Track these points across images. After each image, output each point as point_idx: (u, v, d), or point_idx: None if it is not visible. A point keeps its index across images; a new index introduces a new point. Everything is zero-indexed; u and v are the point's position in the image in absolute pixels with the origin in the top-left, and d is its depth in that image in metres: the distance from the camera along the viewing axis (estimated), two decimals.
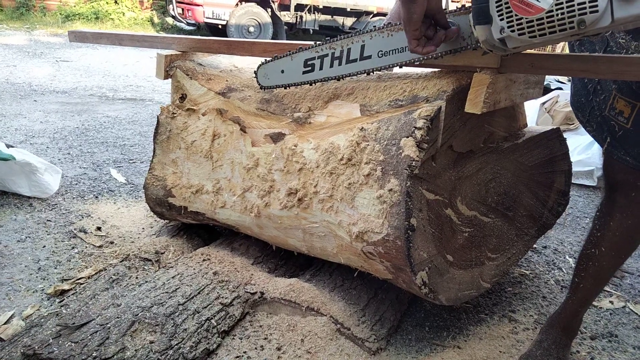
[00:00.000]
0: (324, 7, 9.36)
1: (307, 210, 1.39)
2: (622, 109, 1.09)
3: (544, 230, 1.55)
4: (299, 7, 9.33)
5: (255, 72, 1.46)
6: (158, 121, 1.71)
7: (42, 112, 3.75)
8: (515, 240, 1.46)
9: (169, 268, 1.53)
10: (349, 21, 9.75)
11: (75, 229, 1.89)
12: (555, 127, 1.49)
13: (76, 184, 2.37)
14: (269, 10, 9.18)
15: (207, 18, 8.71)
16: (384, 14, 9.35)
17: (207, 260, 1.57)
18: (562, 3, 0.84)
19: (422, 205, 1.20)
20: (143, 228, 1.97)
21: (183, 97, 1.70)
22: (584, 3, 0.82)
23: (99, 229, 1.92)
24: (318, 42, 1.31)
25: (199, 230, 1.85)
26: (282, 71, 1.39)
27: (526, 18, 0.87)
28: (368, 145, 1.25)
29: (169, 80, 1.72)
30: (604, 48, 1.08)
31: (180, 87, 1.69)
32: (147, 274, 1.54)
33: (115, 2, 10.58)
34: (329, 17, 9.60)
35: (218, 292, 1.42)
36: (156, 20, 10.74)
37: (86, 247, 1.78)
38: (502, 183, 1.39)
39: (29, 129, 3.23)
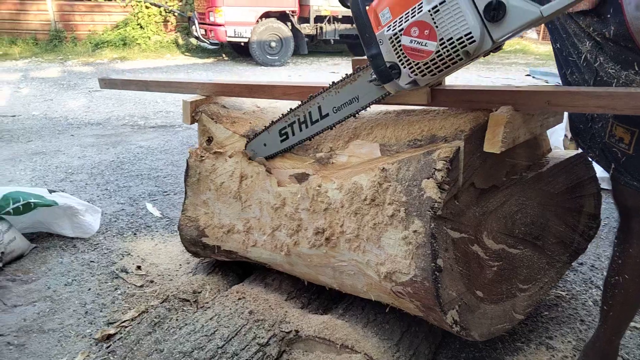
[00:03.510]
0: (343, 16, 9.41)
1: (335, 249, 1.42)
2: (621, 136, 1.09)
3: (577, 256, 1.53)
4: (319, 19, 9.42)
5: (245, 150, 1.62)
6: (187, 164, 1.78)
7: (79, 146, 3.93)
8: (547, 268, 1.45)
9: (206, 309, 1.59)
10: None
11: (117, 269, 1.99)
12: (579, 151, 1.48)
13: (115, 220, 2.48)
14: (289, 24, 9.30)
15: (229, 37, 8.89)
16: None
17: (242, 299, 1.62)
18: (444, 43, 0.97)
19: (448, 245, 1.21)
20: (180, 265, 2.04)
21: (210, 140, 1.76)
22: (461, 38, 0.95)
23: (139, 267, 2.00)
24: (284, 112, 1.47)
25: (233, 266, 1.91)
26: (265, 144, 1.56)
27: (422, 62, 1.01)
28: (390, 185, 1.28)
29: None
30: (594, 78, 1.09)
31: (207, 130, 1.76)
32: (186, 315, 1.61)
33: (141, 27, 10.93)
34: (348, 25, 9.64)
35: (254, 332, 1.46)
36: (180, 41, 11.03)
37: (128, 287, 1.87)
38: (528, 213, 1.39)
39: (68, 166, 3.39)
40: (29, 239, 2.16)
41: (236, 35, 8.91)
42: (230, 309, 1.57)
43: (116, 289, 1.86)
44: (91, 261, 2.06)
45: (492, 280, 1.31)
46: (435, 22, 1.00)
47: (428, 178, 1.19)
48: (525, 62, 9.85)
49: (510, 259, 1.36)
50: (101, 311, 1.72)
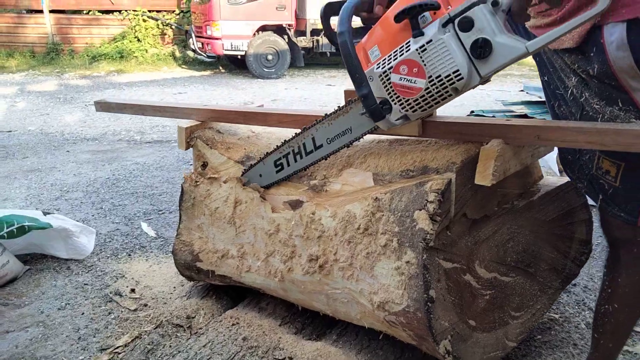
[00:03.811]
0: None
1: (329, 277, 1.43)
2: (608, 169, 1.11)
3: (569, 281, 1.55)
4: (315, 32, 9.49)
5: (241, 177, 1.63)
6: (182, 189, 1.79)
7: (75, 163, 3.93)
8: (539, 295, 1.46)
9: (200, 335, 1.59)
10: None
11: (110, 292, 1.98)
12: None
13: (110, 241, 2.48)
14: (286, 37, 9.37)
15: (226, 50, 8.95)
16: None
17: (236, 325, 1.62)
18: (433, 80, 1.00)
19: (440, 275, 1.22)
20: (174, 287, 2.04)
21: (204, 165, 1.77)
22: (449, 76, 0.98)
23: (132, 290, 2.00)
24: (279, 144, 1.49)
25: (228, 289, 1.91)
26: (260, 175, 1.57)
27: (412, 98, 1.04)
28: (383, 215, 1.29)
29: None
30: (580, 112, 1.12)
31: (202, 155, 1.77)
32: (179, 341, 1.60)
33: (138, 40, 10.99)
34: None
35: None
36: (178, 54, 11.09)
37: (122, 311, 1.86)
38: (520, 241, 1.40)
39: (63, 183, 3.39)
40: (22, 260, 2.15)
41: (233, 49, 8.97)
42: (224, 335, 1.57)
43: (110, 313, 1.85)
44: (85, 284, 2.06)
45: (485, 308, 1.32)
46: (423, 61, 1.02)
47: (420, 209, 1.21)
48: (520, 74, 9.94)
49: (503, 287, 1.37)
50: (94, 336, 1.71)
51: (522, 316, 1.41)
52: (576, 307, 1.88)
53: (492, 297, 1.34)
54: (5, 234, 1.99)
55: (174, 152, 4.27)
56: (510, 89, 7.75)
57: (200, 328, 1.66)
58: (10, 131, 5.08)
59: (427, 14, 1.02)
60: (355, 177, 1.42)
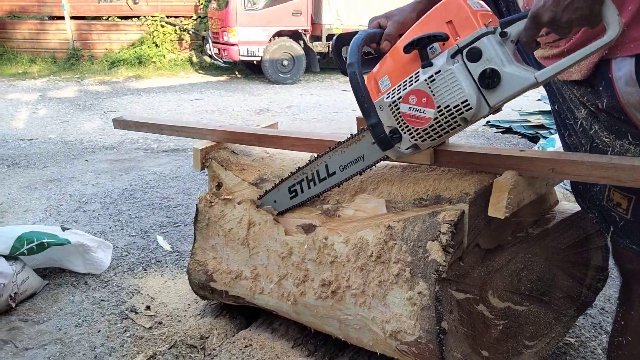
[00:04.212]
0: None
1: (341, 303, 1.43)
2: (619, 201, 1.10)
3: (584, 309, 1.52)
4: (331, 37, 9.50)
5: (256, 200, 1.65)
6: (197, 209, 1.81)
7: (93, 172, 4.00)
8: (554, 323, 1.44)
9: (213, 357, 1.61)
10: None
11: (126, 309, 2.01)
12: None
13: (126, 255, 2.52)
14: (301, 42, 9.41)
15: (242, 56, 9.04)
16: None
17: (249, 347, 1.63)
18: (442, 110, 1.01)
19: (453, 306, 1.21)
20: (189, 304, 2.06)
21: (219, 185, 1.79)
22: (458, 106, 0.99)
23: (148, 307, 2.03)
24: (292, 168, 1.52)
25: (241, 308, 1.92)
26: (275, 201, 1.58)
27: (421, 128, 1.05)
28: (395, 244, 1.28)
29: None
30: (590, 144, 1.11)
31: (216, 176, 1.79)
32: None
33: (156, 45, 11.14)
34: None
35: None
36: (195, 59, 11.21)
37: (137, 329, 1.89)
38: (534, 270, 1.38)
39: (82, 194, 3.45)
40: (41, 275, 2.20)
41: (249, 54, 9.05)
42: (237, 357, 1.58)
43: (125, 330, 1.88)
44: (102, 300, 2.09)
45: (498, 339, 1.31)
46: (432, 91, 1.03)
47: (433, 240, 1.20)
48: None
49: (516, 317, 1.36)
50: (110, 355, 1.74)
51: (536, 345, 1.39)
52: (592, 331, 1.85)
53: (506, 327, 1.33)
54: (26, 251, 2.03)
55: (190, 161, 4.32)
56: (527, 95, 7.65)
57: (214, 349, 1.67)
58: (31, 139, 5.19)
59: (436, 44, 1.03)
60: (368, 203, 1.42)
